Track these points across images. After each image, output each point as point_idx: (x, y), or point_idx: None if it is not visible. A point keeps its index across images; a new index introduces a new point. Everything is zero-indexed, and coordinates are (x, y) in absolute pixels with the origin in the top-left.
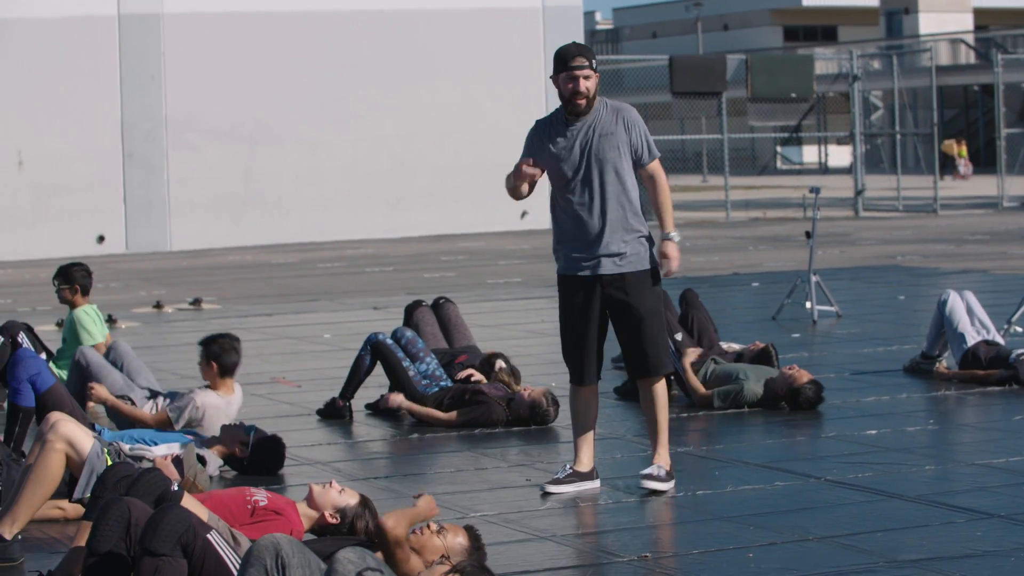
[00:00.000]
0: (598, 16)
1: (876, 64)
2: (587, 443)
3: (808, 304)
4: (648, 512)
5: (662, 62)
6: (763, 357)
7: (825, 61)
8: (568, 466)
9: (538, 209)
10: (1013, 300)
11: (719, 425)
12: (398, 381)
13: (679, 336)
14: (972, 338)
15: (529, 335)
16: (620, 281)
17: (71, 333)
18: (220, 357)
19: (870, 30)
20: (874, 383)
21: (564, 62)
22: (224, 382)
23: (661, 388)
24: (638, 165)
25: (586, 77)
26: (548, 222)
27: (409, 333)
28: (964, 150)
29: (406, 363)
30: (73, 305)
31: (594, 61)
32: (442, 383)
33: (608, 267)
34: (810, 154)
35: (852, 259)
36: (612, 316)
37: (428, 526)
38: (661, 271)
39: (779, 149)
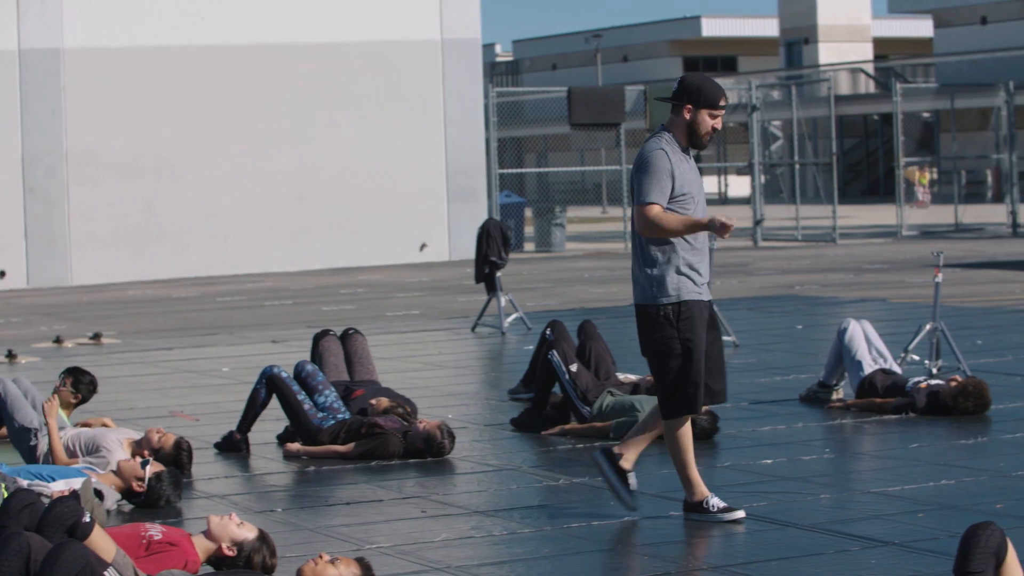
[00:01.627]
0: (498, 48)
1: (776, 94)
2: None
3: None
4: (544, 543)
5: (561, 94)
6: None
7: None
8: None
9: (436, 242)
10: (910, 329)
11: None
12: (292, 414)
13: (574, 367)
14: (869, 366)
15: (427, 367)
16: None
17: None
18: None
19: (770, 60)
20: (771, 412)
21: (714, 102)
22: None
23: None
24: None
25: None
26: (446, 254)
27: (310, 367)
28: (926, 177)
29: (301, 396)
30: None
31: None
32: (339, 415)
33: (710, 292)
34: (710, 184)
35: (750, 289)
36: (709, 338)
37: (321, 556)
38: None
39: None
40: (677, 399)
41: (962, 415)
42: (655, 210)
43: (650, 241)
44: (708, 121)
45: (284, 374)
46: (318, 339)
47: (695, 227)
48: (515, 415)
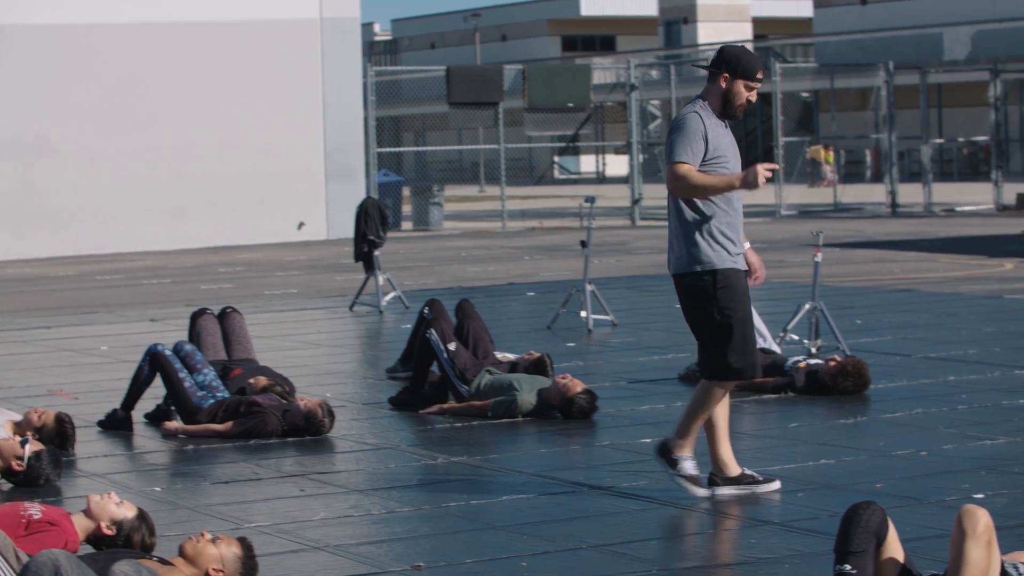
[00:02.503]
0: (376, 27)
1: (654, 73)
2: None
3: (583, 313)
4: (422, 522)
5: (440, 73)
6: (538, 367)
7: (603, 71)
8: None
9: (314, 221)
10: (789, 308)
11: (493, 435)
12: (174, 392)
13: (453, 346)
14: None
15: (306, 346)
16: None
17: None
18: None
19: (648, 39)
20: (649, 392)
21: (751, 73)
22: None
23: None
24: None
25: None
26: (324, 233)
27: (188, 346)
28: (831, 156)
29: (183, 374)
30: None
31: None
32: (219, 394)
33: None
34: (587, 164)
35: (629, 268)
36: None
37: (203, 533)
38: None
39: (556, 159)
40: (718, 366)
41: (841, 395)
42: (684, 167)
43: (686, 208)
44: (743, 92)
45: (168, 352)
46: (196, 318)
47: (727, 183)
48: (393, 394)
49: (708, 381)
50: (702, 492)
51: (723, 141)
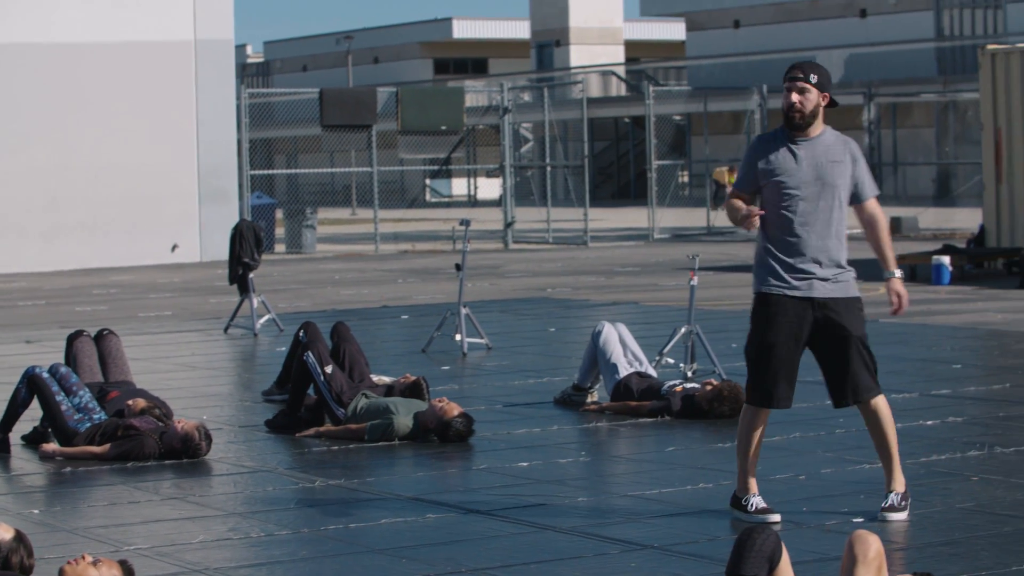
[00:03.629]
0: (249, 49)
1: (527, 96)
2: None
3: (458, 336)
4: (301, 545)
5: (313, 95)
6: (414, 390)
7: (475, 93)
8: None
9: (188, 243)
10: (664, 332)
11: (370, 458)
12: (51, 415)
13: (329, 369)
14: (625, 369)
15: (181, 368)
16: (835, 304)
17: None
18: None
19: (521, 62)
20: (525, 415)
21: (785, 76)
22: None
23: (883, 405)
24: (857, 199)
25: (800, 91)
26: (198, 255)
27: (63, 368)
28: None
29: (60, 397)
30: None
31: (815, 76)
32: (95, 416)
33: (823, 290)
34: (459, 186)
35: (502, 291)
36: (820, 340)
37: (84, 556)
38: (891, 309)
39: (428, 182)
40: (750, 387)
41: (718, 418)
42: (732, 193)
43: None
44: (785, 96)
45: (45, 374)
46: (72, 340)
47: (733, 218)
48: (269, 416)
49: (745, 406)
50: (775, 518)
51: (782, 161)
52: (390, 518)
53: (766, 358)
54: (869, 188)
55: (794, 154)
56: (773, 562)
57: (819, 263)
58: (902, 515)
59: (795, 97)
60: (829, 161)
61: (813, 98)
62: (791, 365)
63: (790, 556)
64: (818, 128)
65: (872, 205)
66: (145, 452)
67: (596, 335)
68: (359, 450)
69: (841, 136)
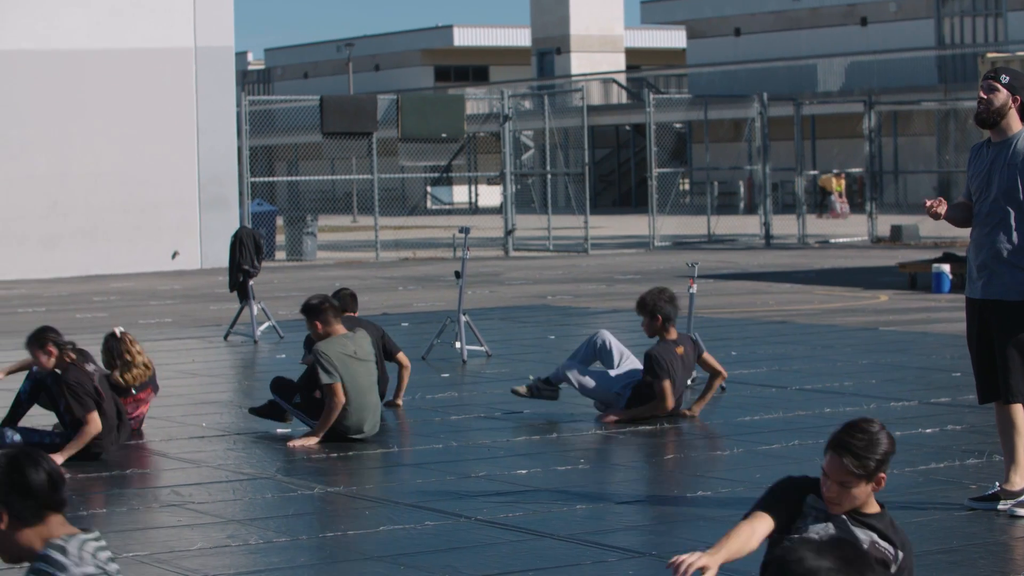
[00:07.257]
0: (250, 56)
1: (527, 104)
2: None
3: (458, 344)
4: (300, 552)
5: (313, 102)
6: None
7: (476, 101)
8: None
9: (188, 250)
10: None
11: (369, 465)
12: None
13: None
14: (632, 377)
15: (181, 375)
16: (997, 307)
17: None
18: None
19: (522, 70)
20: (524, 423)
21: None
22: None
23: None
24: None
25: (989, 90)
26: (198, 262)
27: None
28: (842, 185)
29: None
30: None
31: (1007, 77)
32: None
33: (991, 292)
34: (460, 194)
35: (502, 299)
36: (990, 340)
37: None
38: None
39: (429, 189)
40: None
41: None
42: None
43: None
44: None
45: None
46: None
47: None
48: (270, 424)
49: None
50: None
51: (976, 168)
52: (389, 525)
53: (971, 356)
54: None
55: (982, 159)
56: None
57: (990, 268)
58: None
59: (982, 94)
60: (1009, 164)
61: (1000, 100)
62: (981, 360)
63: None
64: (1011, 129)
65: None
66: (87, 389)
67: (599, 345)
68: (359, 456)
69: None
